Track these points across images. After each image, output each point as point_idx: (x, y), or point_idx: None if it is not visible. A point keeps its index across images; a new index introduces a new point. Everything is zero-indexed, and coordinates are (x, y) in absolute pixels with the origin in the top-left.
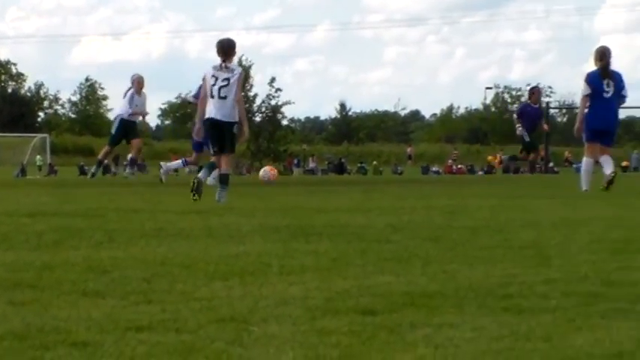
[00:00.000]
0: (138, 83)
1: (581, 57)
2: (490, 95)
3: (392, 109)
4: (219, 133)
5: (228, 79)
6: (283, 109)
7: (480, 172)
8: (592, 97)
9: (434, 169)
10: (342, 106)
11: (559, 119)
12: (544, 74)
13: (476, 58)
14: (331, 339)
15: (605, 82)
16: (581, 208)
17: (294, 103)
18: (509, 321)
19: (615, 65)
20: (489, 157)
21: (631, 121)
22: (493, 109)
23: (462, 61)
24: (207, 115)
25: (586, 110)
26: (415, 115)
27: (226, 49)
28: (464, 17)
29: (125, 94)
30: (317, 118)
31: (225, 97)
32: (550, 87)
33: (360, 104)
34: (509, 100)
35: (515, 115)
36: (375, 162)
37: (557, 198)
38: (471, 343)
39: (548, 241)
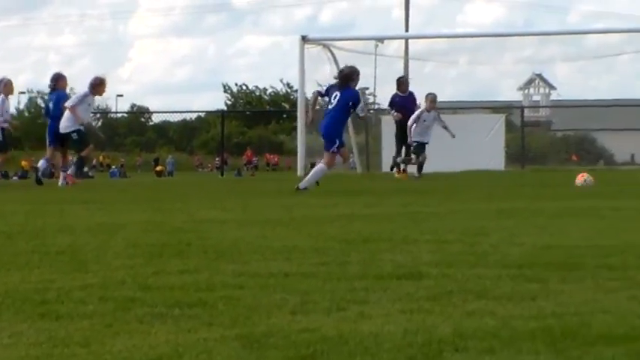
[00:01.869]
0: (9, 87)
1: (117, 61)
2: (24, 100)
3: None
4: None
5: None
6: None
7: (15, 178)
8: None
9: None
10: None
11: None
12: (79, 79)
13: (11, 62)
14: None
15: (334, 94)
16: (117, 212)
17: None
18: (47, 327)
19: (150, 70)
20: (23, 162)
21: (165, 125)
22: (27, 114)
23: None
24: None
25: None
26: None
27: None
28: None
29: None
30: None
31: None
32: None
33: None
34: (42, 105)
35: (388, 107)
36: None
37: (92, 203)
38: (8, 349)
39: (85, 247)
